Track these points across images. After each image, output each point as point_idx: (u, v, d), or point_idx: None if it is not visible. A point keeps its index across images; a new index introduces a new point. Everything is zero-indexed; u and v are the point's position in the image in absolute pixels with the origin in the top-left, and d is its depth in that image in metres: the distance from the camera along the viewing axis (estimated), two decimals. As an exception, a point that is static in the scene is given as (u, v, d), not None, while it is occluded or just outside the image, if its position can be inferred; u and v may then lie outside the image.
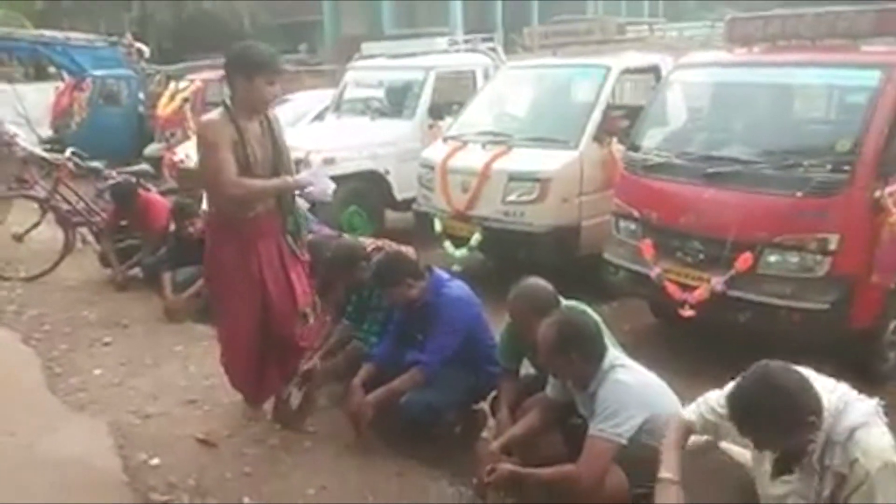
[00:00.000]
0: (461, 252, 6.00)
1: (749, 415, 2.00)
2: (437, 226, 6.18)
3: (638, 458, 2.50)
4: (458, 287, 3.33)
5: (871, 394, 2.18)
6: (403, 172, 7.28)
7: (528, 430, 2.83)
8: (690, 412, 2.44)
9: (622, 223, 4.87)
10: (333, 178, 6.71)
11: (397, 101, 8.02)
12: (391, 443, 3.33)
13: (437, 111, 7.63)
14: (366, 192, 7.19)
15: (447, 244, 6.12)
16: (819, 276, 3.92)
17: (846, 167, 3.86)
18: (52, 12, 23.88)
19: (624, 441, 2.47)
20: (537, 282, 3.07)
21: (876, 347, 4.26)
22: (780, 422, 1.95)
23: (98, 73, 12.65)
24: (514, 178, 5.72)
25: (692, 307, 4.27)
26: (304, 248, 3.39)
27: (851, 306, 3.95)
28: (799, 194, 3.93)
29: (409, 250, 3.89)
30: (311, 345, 3.57)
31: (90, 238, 6.70)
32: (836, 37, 4.48)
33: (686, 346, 4.58)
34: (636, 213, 4.70)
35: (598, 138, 5.71)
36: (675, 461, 2.32)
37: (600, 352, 2.60)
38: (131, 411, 3.56)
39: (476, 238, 5.87)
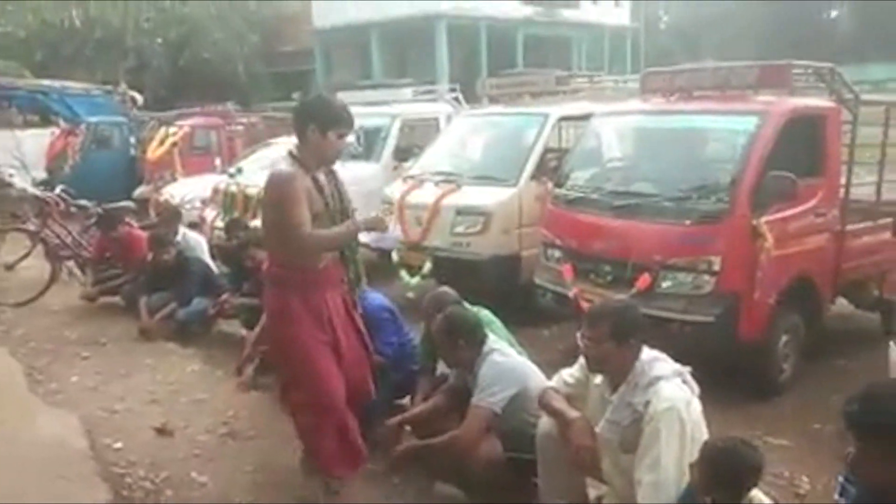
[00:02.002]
0: (415, 280, 6.57)
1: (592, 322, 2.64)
2: (395, 256, 6.77)
3: (511, 427, 3.04)
4: (376, 297, 3.90)
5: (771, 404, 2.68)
6: (369, 210, 7.86)
7: (428, 411, 3.38)
8: (553, 383, 2.99)
9: (549, 251, 5.47)
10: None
11: (366, 146, 8.69)
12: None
13: (402, 154, 8.29)
14: (333, 227, 7.78)
15: (403, 273, 6.70)
16: (706, 292, 4.50)
17: (727, 199, 4.49)
18: (51, 62, 24.81)
19: (497, 409, 3.01)
20: (445, 290, 3.66)
21: (769, 360, 4.80)
22: (615, 333, 2.58)
23: (92, 119, 13.37)
24: (461, 212, 6.34)
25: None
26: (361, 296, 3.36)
27: (737, 320, 4.52)
28: (688, 222, 4.56)
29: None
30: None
31: (76, 271, 7.28)
32: (729, 89, 5.18)
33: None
34: (559, 242, 5.31)
35: (535, 177, 6.35)
36: (567, 406, 2.83)
37: (481, 338, 3.17)
38: (101, 408, 4.10)
39: (427, 266, 6.46)
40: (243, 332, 5.28)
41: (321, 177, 3.07)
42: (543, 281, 5.43)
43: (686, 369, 2.71)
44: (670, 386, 2.55)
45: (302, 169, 2.99)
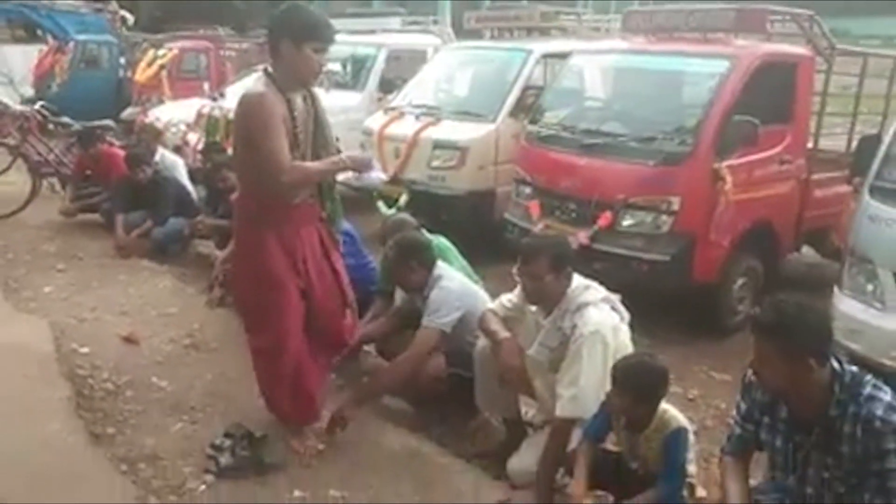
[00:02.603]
0: (392, 212, 6.66)
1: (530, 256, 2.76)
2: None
3: (456, 346, 3.21)
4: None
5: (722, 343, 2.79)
6: (351, 139, 7.90)
7: (379, 332, 3.55)
8: (493, 306, 3.13)
9: (520, 187, 5.56)
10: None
11: (352, 75, 8.65)
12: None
13: (388, 86, 8.26)
14: (314, 156, 7.83)
15: (380, 204, 6.79)
16: (664, 232, 4.62)
17: (690, 141, 4.57)
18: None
19: (447, 329, 3.17)
20: (404, 217, 3.77)
21: (724, 301, 4.96)
22: (553, 265, 2.71)
23: (80, 37, 13.18)
24: (438, 145, 6.40)
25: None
26: (339, 234, 3.14)
27: (692, 260, 4.65)
28: (651, 163, 4.64)
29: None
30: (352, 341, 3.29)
31: (58, 187, 7.35)
32: (705, 31, 5.18)
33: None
34: (529, 178, 5.39)
35: (514, 114, 6.38)
36: (502, 325, 2.98)
37: (431, 261, 3.30)
38: (71, 316, 4.26)
39: (404, 199, 6.54)
40: (217, 252, 5.40)
41: (298, 101, 2.78)
42: (512, 216, 5.54)
43: (616, 296, 2.84)
44: (597, 311, 2.69)
45: (277, 90, 2.70)
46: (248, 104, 2.69)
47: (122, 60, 13.53)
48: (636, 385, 2.41)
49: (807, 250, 5.86)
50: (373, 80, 8.22)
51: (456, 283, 3.31)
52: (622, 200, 4.69)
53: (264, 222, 2.79)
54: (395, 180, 6.65)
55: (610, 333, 2.64)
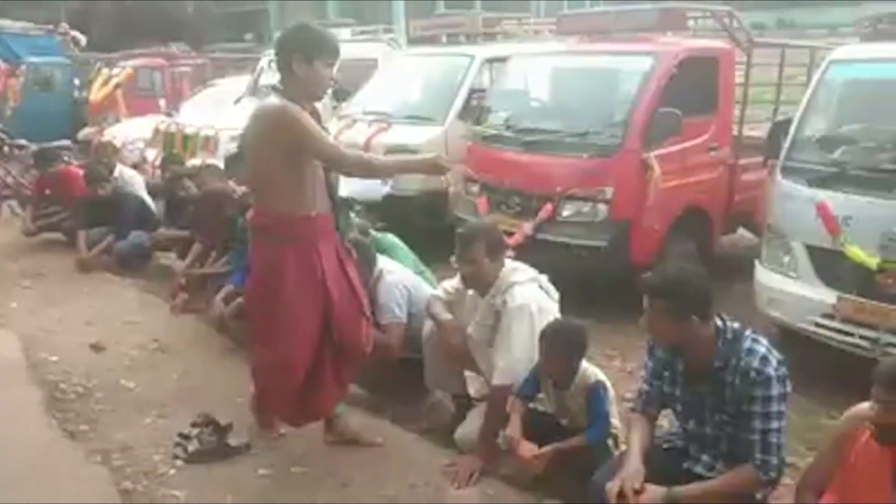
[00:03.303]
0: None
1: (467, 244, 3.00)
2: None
3: (408, 332, 3.47)
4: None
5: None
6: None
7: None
8: (437, 292, 3.40)
9: (468, 185, 5.85)
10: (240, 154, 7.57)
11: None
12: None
13: (340, 94, 8.50)
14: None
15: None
16: (600, 220, 4.94)
17: (619, 134, 4.90)
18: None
19: (405, 319, 3.44)
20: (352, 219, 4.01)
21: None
22: (488, 251, 2.97)
23: (33, 59, 13.18)
24: (390, 150, 6.62)
25: (512, 249, 5.27)
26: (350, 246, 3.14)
27: (629, 244, 4.97)
28: (585, 156, 4.97)
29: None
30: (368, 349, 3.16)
31: (18, 210, 7.44)
32: (633, 31, 5.54)
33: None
34: (476, 176, 5.68)
35: (462, 116, 6.67)
36: (445, 309, 3.24)
37: (372, 258, 3.56)
38: (39, 328, 4.43)
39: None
40: (179, 262, 5.58)
41: (307, 115, 2.77)
42: (462, 213, 5.82)
43: (543, 277, 3.14)
44: (524, 289, 2.98)
45: (292, 103, 2.72)
46: (276, 117, 2.71)
47: (76, 81, 13.56)
48: (559, 344, 2.71)
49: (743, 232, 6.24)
50: (325, 90, 8.43)
51: (397, 274, 3.57)
52: (561, 192, 5.00)
53: (282, 237, 2.80)
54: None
55: (535, 308, 2.93)
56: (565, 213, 5.04)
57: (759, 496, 2.37)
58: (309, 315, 2.84)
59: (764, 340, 2.32)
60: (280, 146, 2.70)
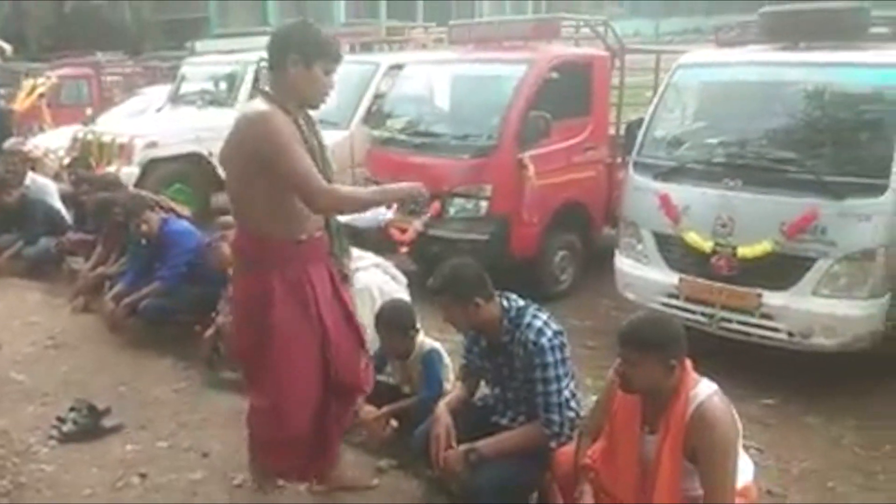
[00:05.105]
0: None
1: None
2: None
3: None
4: (180, 223, 4.53)
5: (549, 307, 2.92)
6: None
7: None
8: None
9: (368, 186, 6.17)
10: (156, 161, 7.81)
11: (225, 92, 9.10)
12: (140, 336, 4.53)
13: (260, 102, 8.73)
14: (189, 172, 8.18)
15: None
16: (482, 215, 5.33)
17: (496, 136, 5.30)
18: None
19: None
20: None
21: (546, 272, 5.69)
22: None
23: (-47, 70, 13.04)
24: (298, 154, 6.94)
25: (407, 245, 5.63)
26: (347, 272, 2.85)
27: (509, 237, 5.36)
28: (467, 157, 5.35)
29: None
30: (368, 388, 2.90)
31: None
32: (512, 40, 5.95)
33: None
34: (375, 178, 6.01)
35: (367, 121, 7.00)
36: None
37: None
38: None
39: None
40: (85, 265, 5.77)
41: (301, 121, 2.46)
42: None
43: (389, 263, 3.49)
44: (366, 274, 3.33)
45: (281, 109, 2.40)
46: (254, 125, 2.36)
47: (2, 91, 13.43)
48: (390, 324, 3.06)
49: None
50: (242, 96, 8.68)
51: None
52: (447, 191, 5.37)
53: (267, 262, 2.48)
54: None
55: (376, 290, 3.28)
56: (451, 210, 5.41)
57: (553, 445, 2.73)
58: (303, 353, 2.52)
59: (543, 315, 2.67)
60: (256, 158, 2.33)
